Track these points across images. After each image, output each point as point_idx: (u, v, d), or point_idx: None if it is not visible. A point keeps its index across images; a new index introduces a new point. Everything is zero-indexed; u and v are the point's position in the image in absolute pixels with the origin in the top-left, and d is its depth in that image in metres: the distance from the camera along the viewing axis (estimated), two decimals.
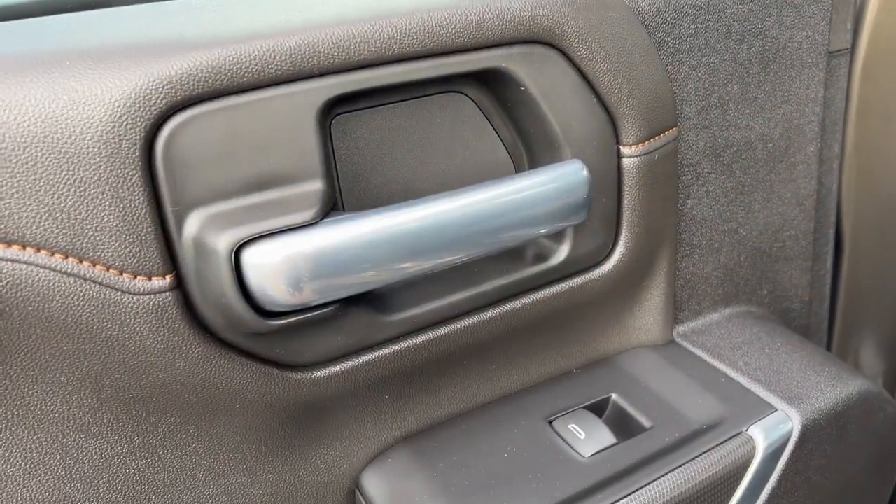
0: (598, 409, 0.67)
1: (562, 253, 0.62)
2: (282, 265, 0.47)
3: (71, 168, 0.42)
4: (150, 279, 0.45)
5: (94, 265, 0.44)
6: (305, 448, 0.59)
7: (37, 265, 0.43)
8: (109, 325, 0.46)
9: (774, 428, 0.64)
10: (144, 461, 0.53)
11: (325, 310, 0.51)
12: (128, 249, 0.44)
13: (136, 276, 0.45)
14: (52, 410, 0.48)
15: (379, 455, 0.63)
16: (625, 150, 0.61)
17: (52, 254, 0.43)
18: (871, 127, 0.83)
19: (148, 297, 0.46)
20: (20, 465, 0.49)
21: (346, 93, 0.50)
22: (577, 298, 0.65)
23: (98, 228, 0.44)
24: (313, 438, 0.59)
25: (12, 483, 0.49)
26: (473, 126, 0.59)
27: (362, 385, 0.57)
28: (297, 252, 0.47)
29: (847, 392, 0.68)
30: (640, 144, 0.61)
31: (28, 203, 0.42)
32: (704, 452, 0.61)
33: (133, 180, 0.44)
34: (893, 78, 0.83)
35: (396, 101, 0.56)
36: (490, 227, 0.53)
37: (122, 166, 0.43)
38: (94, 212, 0.43)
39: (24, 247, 0.43)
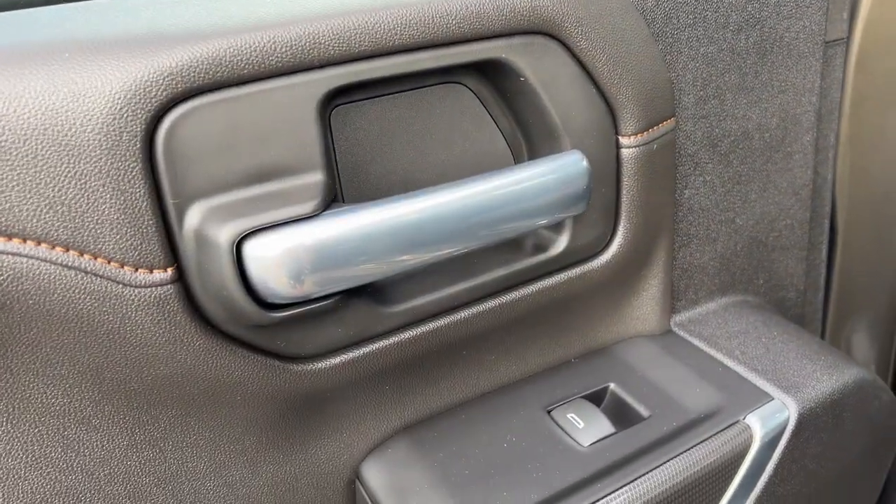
0: (596, 398, 0.67)
1: (561, 243, 0.62)
2: (283, 257, 0.47)
3: (71, 161, 0.42)
4: (151, 272, 0.45)
5: (95, 258, 0.44)
6: (306, 439, 0.59)
7: (38, 258, 0.43)
8: (111, 318, 0.45)
9: (771, 416, 0.64)
10: (145, 453, 0.53)
11: (326, 302, 0.51)
12: (129, 242, 0.44)
13: (137, 269, 0.45)
14: (53, 403, 0.48)
15: (379, 445, 0.63)
16: (624, 140, 0.61)
17: (53, 247, 0.43)
18: (865, 117, 0.84)
19: (149, 289, 0.46)
20: (21, 457, 0.49)
21: (346, 84, 0.50)
22: (576, 289, 0.65)
23: (99, 221, 0.43)
24: (314, 429, 0.59)
25: (14, 476, 0.49)
26: (473, 117, 0.59)
27: (362, 376, 0.57)
28: (299, 244, 0.47)
29: (843, 380, 0.69)
30: (639, 135, 0.61)
31: (28, 196, 0.42)
32: (702, 441, 0.61)
33: (134, 173, 0.43)
34: (888, 67, 0.84)
35: (396, 92, 0.55)
36: (490, 218, 0.53)
37: (122, 159, 0.43)
38: (95, 204, 0.43)
39: (24, 240, 0.42)
